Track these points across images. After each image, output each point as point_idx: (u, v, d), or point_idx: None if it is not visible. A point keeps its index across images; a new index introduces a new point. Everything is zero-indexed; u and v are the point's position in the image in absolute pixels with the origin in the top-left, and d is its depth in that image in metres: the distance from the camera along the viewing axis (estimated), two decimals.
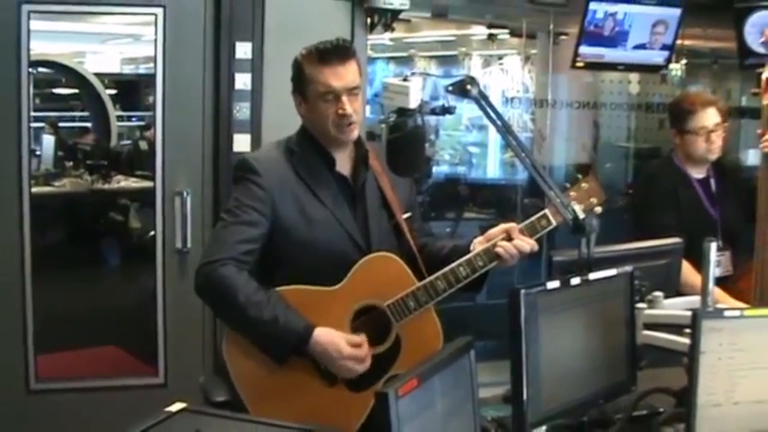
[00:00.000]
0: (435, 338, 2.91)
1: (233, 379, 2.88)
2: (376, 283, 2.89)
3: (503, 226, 2.94)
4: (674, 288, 3.34)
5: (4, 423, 4.83)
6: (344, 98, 2.91)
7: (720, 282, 3.92)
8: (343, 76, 2.91)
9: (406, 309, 2.87)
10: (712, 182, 4.31)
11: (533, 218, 2.94)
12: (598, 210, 2.95)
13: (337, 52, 2.93)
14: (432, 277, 2.89)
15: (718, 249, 4.03)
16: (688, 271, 3.62)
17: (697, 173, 4.29)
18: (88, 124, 9.68)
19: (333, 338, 2.79)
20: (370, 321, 2.89)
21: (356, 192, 3.06)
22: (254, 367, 2.85)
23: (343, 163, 3.06)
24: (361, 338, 2.83)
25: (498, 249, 2.89)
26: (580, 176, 3.02)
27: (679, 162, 4.28)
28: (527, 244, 2.91)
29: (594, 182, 3.01)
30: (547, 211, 2.92)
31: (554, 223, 2.91)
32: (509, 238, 2.90)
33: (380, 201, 3.08)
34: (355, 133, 2.99)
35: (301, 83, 2.98)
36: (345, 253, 2.94)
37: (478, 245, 2.95)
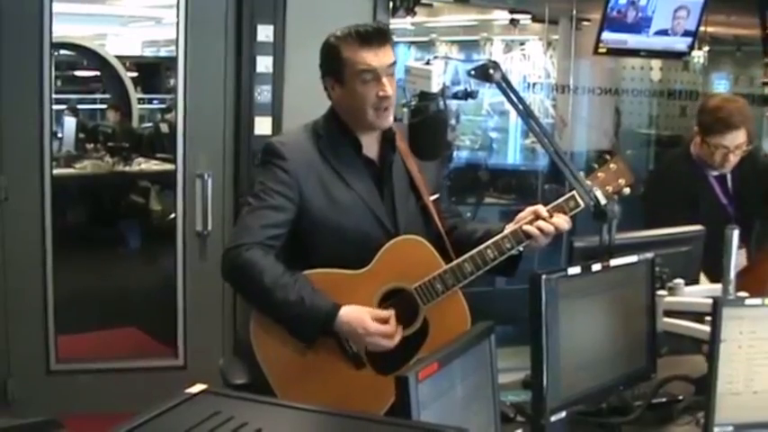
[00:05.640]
0: (463, 321, 2.89)
1: (260, 362, 2.88)
2: (403, 266, 2.88)
3: (531, 208, 2.93)
4: (695, 275, 3.33)
5: (25, 403, 4.87)
6: (384, 79, 2.87)
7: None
8: (382, 56, 2.87)
9: (433, 291, 2.86)
10: (729, 176, 4.22)
11: (561, 199, 2.92)
12: (627, 191, 2.94)
13: (378, 35, 2.88)
14: (459, 260, 2.87)
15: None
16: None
17: (714, 169, 4.21)
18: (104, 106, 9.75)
19: (359, 315, 2.78)
20: (398, 304, 2.88)
21: (383, 174, 3.04)
22: (282, 350, 2.86)
23: (370, 145, 3.03)
24: (388, 313, 2.82)
25: (529, 228, 2.87)
26: (608, 157, 2.99)
27: (696, 155, 4.19)
28: (563, 221, 2.89)
29: (622, 162, 2.99)
30: (575, 192, 2.90)
31: (582, 204, 2.88)
32: (537, 220, 2.89)
33: (408, 183, 3.06)
34: (390, 119, 2.95)
35: (336, 65, 2.91)
36: (373, 236, 2.92)
37: (509, 227, 2.93)
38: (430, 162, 3.09)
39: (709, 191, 4.17)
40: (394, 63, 2.93)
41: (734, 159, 4.07)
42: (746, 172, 4.23)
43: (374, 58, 2.86)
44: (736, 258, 4.04)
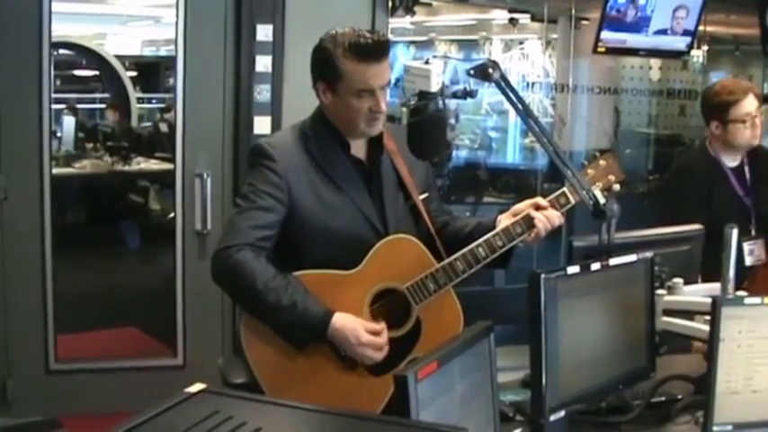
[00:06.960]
0: (456, 320, 2.90)
1: (251, 365, 2.86)
2: (394, 266, 2.87)
3: (529, 201, 2.93)
4: (695, 274, 3.32)
5: (24, 403, 4.87)
6: (379, 94, 2.86)
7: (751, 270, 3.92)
8: (381, 74, 2.85)
9: (425, 291, 2.85)
10: (746, 169, 4.22)
11: (552, 196, 2.93)
12: (616, 188, 2.94)
13: (377, 50, 2.85)
14: (451, 258, 2.87)
15: (752, 238, 4.01)
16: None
17: (731, 161, 4.19)
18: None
19: (352, 324, 2.77)
20: (390, 304, 2.88)
21: (372, 174, 3.03)
22: (273, 353, 2.84)
23: (358, 146, 3.02)
24: (380, 326, 2.81)
25: (533, 214, 2.87)
26: (597, 154, 3.00)
27: (714, 152, 4.19)
28: (555, 216, 2.90)
29: (612, 159, 2.99)
30: (566, 189, 2.90)
31: (573, 201, 2.90)
32: (536, 209, 2.90)
33: (397, 182, 3.05)
34: (380, 127, 2.95)
35: (332, 75, 2.88)
36: (363, 236, 2.91)
37: (505, 219, 2.94)
38: (419, 161, 3.08)
39: (727, 188, 4.17)
40: (390, 79, 2.93)
41: (759, 126, 4.11)
42: (762, 165, 4.26)
43: (373, 76, 2.85)
44: (753, 251, 4.10)
